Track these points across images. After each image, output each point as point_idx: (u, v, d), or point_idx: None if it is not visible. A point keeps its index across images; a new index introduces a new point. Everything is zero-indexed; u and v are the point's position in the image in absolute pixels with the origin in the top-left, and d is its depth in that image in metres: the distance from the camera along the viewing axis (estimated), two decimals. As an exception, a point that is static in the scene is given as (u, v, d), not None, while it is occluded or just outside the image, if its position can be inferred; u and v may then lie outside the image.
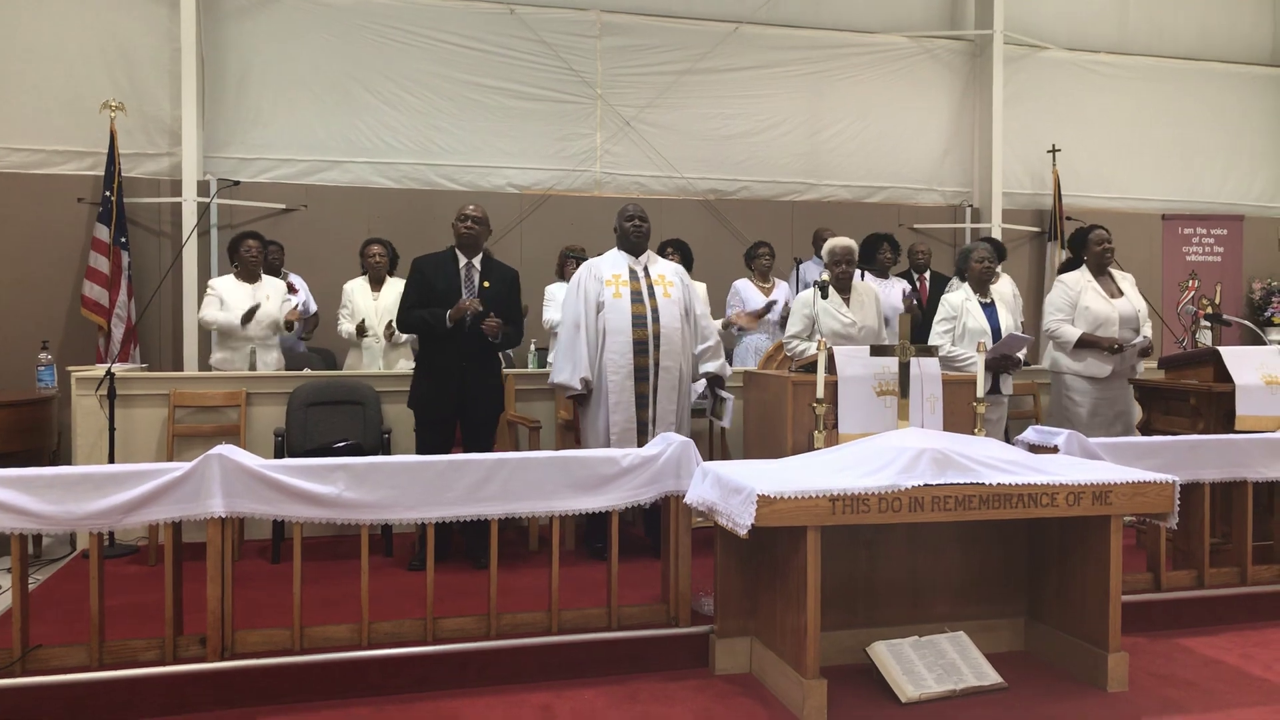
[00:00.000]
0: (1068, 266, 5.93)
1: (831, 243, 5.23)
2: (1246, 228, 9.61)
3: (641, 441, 4.61)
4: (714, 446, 5.73)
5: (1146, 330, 5.47)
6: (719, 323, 6.75)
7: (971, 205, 9.00)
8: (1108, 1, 9.42)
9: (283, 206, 7.51)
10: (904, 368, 3.95)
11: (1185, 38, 9.61)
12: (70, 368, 5.51)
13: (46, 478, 3.19)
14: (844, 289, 5.22)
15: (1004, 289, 5.91)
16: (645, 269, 4.91)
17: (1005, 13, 8.81)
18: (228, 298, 5.73)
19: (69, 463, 5.30)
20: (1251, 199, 9.84)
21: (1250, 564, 4.30)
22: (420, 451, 4.80)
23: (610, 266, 4.89)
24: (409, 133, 7.81)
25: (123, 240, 6.99)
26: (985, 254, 5.44)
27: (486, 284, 4.82)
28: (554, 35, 8.02)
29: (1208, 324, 7.93)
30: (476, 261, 4.86)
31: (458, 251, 4.86)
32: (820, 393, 3.95)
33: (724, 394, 4.97)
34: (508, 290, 4.91)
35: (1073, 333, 5.39)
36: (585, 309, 4.81)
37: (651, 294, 4.84)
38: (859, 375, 4.15)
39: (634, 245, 4.93)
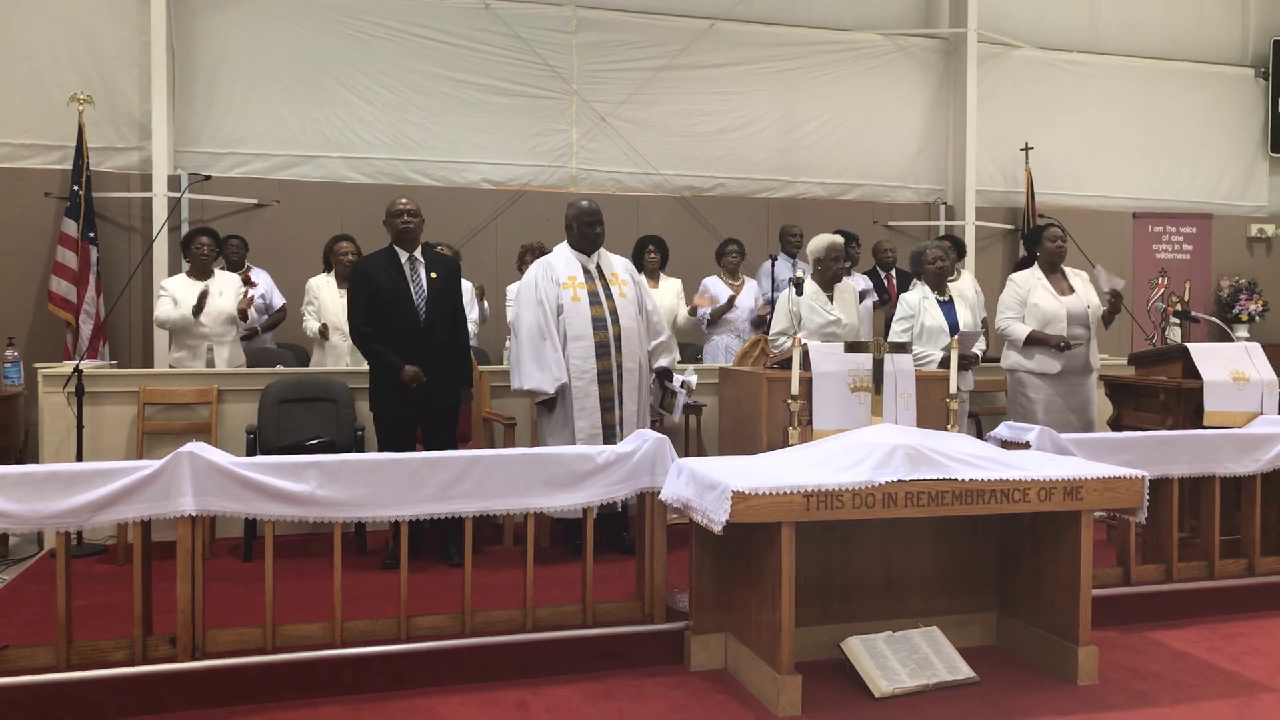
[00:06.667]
0: (1021, 265, 5.98)
1: (823, 241, 5.23)
2: (1215, 226, 9.74)
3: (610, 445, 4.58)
4: (689, 443, 5.74)
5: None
6: (684, 312, 6.78)
7: (945, 203, 9.06)
8: (1080, 1, 9.51)
9: (255, 201, 7.43)
10: (878, 364, 3.97)
11: (1156, 38, 9.72)
12: (37, 364, 5.44)
13: (13, 476, 3.14)
14: (829, 286, 5.23)
15: (964, 286, 5.96)
16: (598, 267, 4.88)
17: (979, 11, 8.87)
18: (179, 296, 5.63)
19: (36, 461, 5.22)
20: (1220, 197, 9.97)
21: (1218, 558, 4.36)
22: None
23: (565, 267, 4.82)
24: (382, 127, 7.76)
25: (91, 235, 6.90)
26: (939, 253, 5.48)
27: (434, 275, 4.78)
28: (529, 30, 7.99)
29: (1177, 321, 8.02)
30: (418, 254, 4.80)
31: (396, 248, 4.78)
32: (795, 389, 3.96)
33: (673, 387, 4.93)
34: (453, 279, 4.88)
35: (1021, 330, 5.43)
36: (547, 312, 4.74)
37: (609, 295, 4.82)
38: (833, 371, 4.16)
39: (590, 247, 4.87)
